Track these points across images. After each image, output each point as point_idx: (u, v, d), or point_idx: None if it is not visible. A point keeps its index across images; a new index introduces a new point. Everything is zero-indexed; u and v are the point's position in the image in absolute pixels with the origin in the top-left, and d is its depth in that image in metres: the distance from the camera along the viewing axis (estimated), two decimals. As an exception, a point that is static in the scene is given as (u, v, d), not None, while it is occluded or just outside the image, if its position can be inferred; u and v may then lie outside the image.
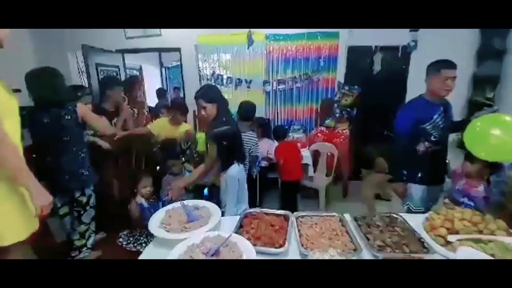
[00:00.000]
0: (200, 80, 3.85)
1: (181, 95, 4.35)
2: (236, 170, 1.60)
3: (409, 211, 1.91)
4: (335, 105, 3.37)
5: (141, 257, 1.18)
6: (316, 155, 3.16)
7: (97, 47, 3.27)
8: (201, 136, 3.12)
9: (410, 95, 3.59)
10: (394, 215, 1.39)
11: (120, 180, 2.52)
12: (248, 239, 1.21)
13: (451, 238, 1.15)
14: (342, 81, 3.54)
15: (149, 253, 1.22)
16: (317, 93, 3.72)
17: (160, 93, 5.21)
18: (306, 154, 3.04)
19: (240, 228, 1.32)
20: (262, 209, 1.49)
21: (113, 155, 2.30)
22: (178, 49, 3.82)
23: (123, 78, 3.52)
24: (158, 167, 2.80)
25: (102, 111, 2.37)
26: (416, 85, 3.56)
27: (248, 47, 3.63)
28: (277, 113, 3.87)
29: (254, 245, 1.16)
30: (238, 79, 3.76)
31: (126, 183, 2.41)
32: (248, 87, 3.77)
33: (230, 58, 3.77)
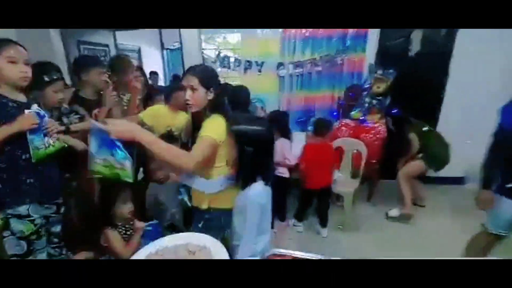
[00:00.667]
0: (203, 63, 3.31)
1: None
2: (260, 191, 1.11)
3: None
4: (364, 92, 2.81)
5: None
6: (339, 153, 2.65)
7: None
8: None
9: (452, 82, 3.04)
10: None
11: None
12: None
13: None
14: (374, 63, 2.96)
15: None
16: (341, 78, 3.15)
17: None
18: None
19: None
20: (292, 252, 1.01)
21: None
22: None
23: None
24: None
25: (80, 100, 1.90)
26: (461, 70, 3.01)
27: (260, 23, 3.05)
28: (293, 102, 3.33)
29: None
30: (248, 61, 3.21)
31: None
32: (259, 70, 3.23)
33: (238, 37, 3.21)
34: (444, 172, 3.31)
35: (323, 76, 3.17)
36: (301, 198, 2.54)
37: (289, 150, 2.37)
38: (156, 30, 4.93)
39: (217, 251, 0.95)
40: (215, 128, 1.21)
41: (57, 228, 1.55)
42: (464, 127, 3.08)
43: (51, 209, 1.50)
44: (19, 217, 1.35)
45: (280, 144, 2.29)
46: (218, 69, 3.26)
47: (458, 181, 3.33)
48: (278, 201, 2.20)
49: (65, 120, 1.82)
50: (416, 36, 2.90)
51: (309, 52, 3.14)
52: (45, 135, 1.35)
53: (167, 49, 6.09)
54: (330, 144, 2.49)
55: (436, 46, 2.96)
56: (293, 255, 0.99)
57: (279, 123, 2.34)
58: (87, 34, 2.76)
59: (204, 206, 1.33)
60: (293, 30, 3.07)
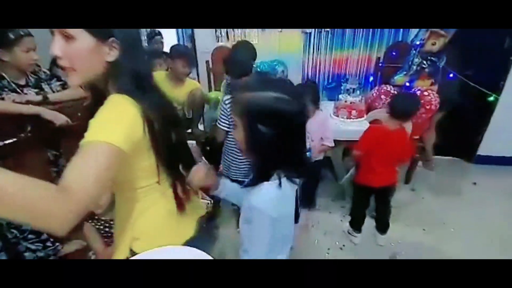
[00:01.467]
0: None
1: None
2: (272, 198, 0.70)
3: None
4: (413, 51, 2.23)
5: None
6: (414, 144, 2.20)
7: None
8: (215, 96, 2.25)
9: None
10: None
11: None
12: None
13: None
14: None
15: None
16: (382, 34, 2.55)
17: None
18: (362, 128, 2.08)
19: None
20: None
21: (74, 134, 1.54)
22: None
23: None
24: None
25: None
26: None
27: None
28: (321, 64, 2.81)
29: None
30: (267, 15, 2.67)
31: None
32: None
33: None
34: (501, 151, 2.80)
35: (358, 31, 2.58)
36: (354, 195, 2.00)
37: (329, 128, 1.87)
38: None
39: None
40: (108, 124, 0.61)
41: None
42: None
43: None
44: None
45: (318, 120, 1.80)
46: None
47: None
48: (307, 189, 1.85)
49: (45, 87, 1.54)
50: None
51: (343, 1, 2.53)
52: None
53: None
54: (406, 131, 1.76)
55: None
56: None
57: (309, 94, 1.75)
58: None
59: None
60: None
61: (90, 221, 1.13)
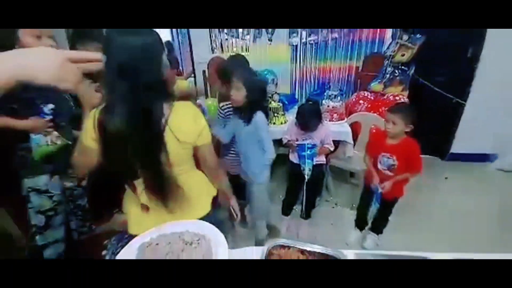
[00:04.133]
0: (210, 32, 3.08)
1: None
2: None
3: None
4: (386, 61, 2.54)
5: None
6: (356, 128, 2.47)
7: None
8: (212, 103, 2.49)
9: (487, 51, 2.67)
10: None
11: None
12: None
13: None
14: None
15: None
16: (360, 46, 2.86)
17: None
18: (344, 129, 2.36)
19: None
20: (298, 242, 0.92)
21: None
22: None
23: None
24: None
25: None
26: (497, 38, 2.60)
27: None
28: (306, 73, 3.09)
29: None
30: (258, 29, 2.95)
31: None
32: (270, 39, 2.97)
33: (247, 0, 2.92)
34: (471, 149, 3.10)
35: (340, 44, 2.88)
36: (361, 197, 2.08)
37: (330, 134, 2.01)
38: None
39: (217, 241, 0.87)
40: None
41: (82, 202, 1.66)
42: (497, 101, 2.77)
43: (73, 182, 1.54)
44: (38, 191, 1.38)
45: (322, 130, 1.94)
46: (226, 39, 3.05)
47: (484, 158, 3.09)
48: (310, 190, 1.98)
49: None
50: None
51: (325, 17, 2.83)
52: (45, 134, 1.32)
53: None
54: (416, 142, 1.71)
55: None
56: (300, 247, 0.89)
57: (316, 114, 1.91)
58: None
59: None
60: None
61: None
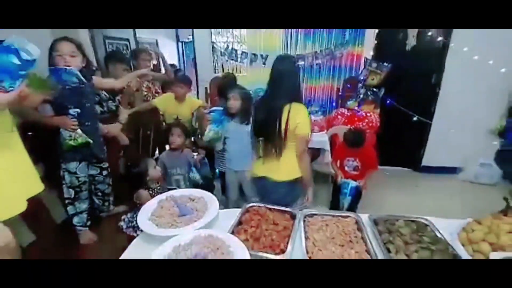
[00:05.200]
0: (213, 55, 3.61)
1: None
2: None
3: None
4: (360, 84, 3.02)
5: (124, 253, 1.06)
6: (334, 139, 2.89)
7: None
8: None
9: (448, 75, 3.16)
10: (422, 221, 1.16)
11: (127, 160, 2.45)
12: (246, 240, 1.05)
13: (495, 256, 0.92)
14: (370, 57, 3.15)
15: (136, 246, 1.11)
16: (340, 71, 3.36)
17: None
18: (323, 139, 2.79)
19: (238, 226, 1.16)
20: (267, 204, 1.31)
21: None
22: (190, 21, 3.56)
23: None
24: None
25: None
26: (455, 65, 3.12)
27: (264, 18, 3.30)
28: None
29: (252, 248, 1.01)
30: (254, 54, 3.46)
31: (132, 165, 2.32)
32: (264, 63, 3.47)
33: (245, 31, 3.46)
34: (440, 162, 3.50)
35: (323, 68, 3.38)
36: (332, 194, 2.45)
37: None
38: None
39: (211, 201, 1.27)
40: None
41: (102, 187, 2.08)
42: (459, 120, 3.23)
43: (96, 170, 1.95)
44: (69, 172, 1.80)
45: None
46: (226, 61, 3.56)
47: (452, 170, 3.49)
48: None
49: (104, 105, 2.14)
50: (413, 30, 3.04)
51: (311, 46, 3.35)
52: (71, 130, 1.72)
53: (182, 42, 6.43)
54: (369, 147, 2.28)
55: (432, 41, 3.09)
56: (268, 207, 1.28)
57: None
58: (110, 30, 3.13)
59: None
60: (295, 25, 3.30)
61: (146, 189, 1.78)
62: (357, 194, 2.26)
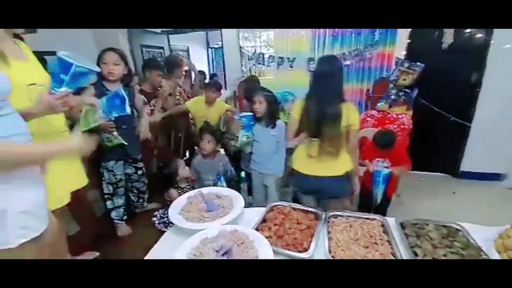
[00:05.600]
0: (241, 60, 3.71)
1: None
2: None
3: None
4: (391, 85, 2.92)
5: (156, 244, 1.15)
6: (364, 141, 2.82)
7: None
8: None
9: (489, 74, 2.93)
10: (454, 226, 1.11)
11: (159, 161, 2.61)
12: (269, 237, 1.09)
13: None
14: (402, 57, 3.03)
15: (167, 239, 1.19)
16: (369, 72, 3.27)
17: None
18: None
19: (262, 223, 1.20)
20: (292, 204, 1.34)
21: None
22: (219, 28, 3.70)
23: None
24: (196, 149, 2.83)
25: (142, 92, 2.43)
26: (498, 64, 2.88)
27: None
28: (322, 94, 3.55)
29: (275, 244, 1.04)
30: (280, 57, 3.51)
31: (163, 166, 2.47)
32: (291, 66, 3.50)
33: (272, 35, 3.52)
34: (481, 168, 3.24)
35: (351, 69, 3.32)
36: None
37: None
38: (203, 32, 5.44)
39: (237, 199, 1.33)
40: None
41: (138, 185, 2.25)
42: (502, 123, 2.97)
43: (131, 169, 2.11)
44: (107, 170, 1.98)
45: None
46: (254, 65, 3.64)
47: (495, 177, 3.21)
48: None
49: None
50: (450, 28, 2.88)
51: (339, 47, 3.31)
52: (108, 132, 1.86)
53: (212, 47, 6.68)
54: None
55: (472, 38, 2.90)
56: (292, 206, 1.31)
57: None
58: (147, 38, 3.37)
59: None
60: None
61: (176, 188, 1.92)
62: (389, 181, 2.16)
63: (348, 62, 3.29)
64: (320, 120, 1.48)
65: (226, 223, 1.14)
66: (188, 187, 2.08)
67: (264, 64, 3.59)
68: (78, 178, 1.52)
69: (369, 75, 3.29)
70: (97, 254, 1.86)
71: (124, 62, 1.85)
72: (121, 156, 2.00)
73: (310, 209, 1.29)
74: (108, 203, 2.06)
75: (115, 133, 1.89)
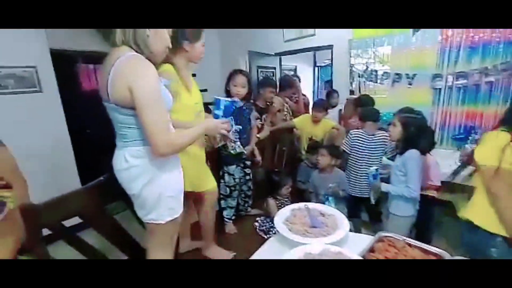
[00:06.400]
0: (350, 77, 3.60)
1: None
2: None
3: None
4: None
5: (259, 249, 1.22)
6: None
7: (260, 52, 3.76)
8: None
9: None
10: None
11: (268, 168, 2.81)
12: (378, 269, 0.99)
13: None
14: None
15: (270, 246, 1.26)
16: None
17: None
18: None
19: (369, 252, 1.10)
20: (406, 238, 1.17)
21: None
22: (330, 47, 3.73)
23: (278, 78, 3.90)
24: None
25: (256, 107, 2.69)
26: None
27: (413, 34, 3.01)
28: (449, 116, 2.99)
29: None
30: (397, 74, 3.19)
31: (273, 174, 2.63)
32: (410, 83, 3.13)
33: (388, 50, 3.27)
34: None
35: (496, 88, 2.67)
36: None
37: (438, 171, 2.04)
38: (311, 53, 5.58)
39: (342, 220, 1.27)
40: None
41: (245, 188, 2.49)
42: None
43: (241, 174, 2.38)
44: (228, 173, 2.28)
45: (427, 162, 1.94)
46: (364, 82, 3.46)
47: None
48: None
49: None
50: None
51: (479, 61, 2.74)
52: (234, 142, 2.08)
53: (319, 66, 6.78)
54: None
55: None
56: (407, 241, 1.14)
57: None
58: (262, 60, 3.77)
59: None
60: (456, 38, 2.80)
61: (274, 198, 2.06)
62: None
63: (492, 78, 2.67)
64: None
65: (329, 243, 1.11)
66: (286, 199, 2.16)
67: (376, 82, 3.36)
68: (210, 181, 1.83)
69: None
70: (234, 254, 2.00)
71: (248, 84, 2.13)
72: (240, 161, 2.28)
73: (432, 249, 1.10)
74: (222, 202, 2.34)
75: (238, 143, 2.14)
